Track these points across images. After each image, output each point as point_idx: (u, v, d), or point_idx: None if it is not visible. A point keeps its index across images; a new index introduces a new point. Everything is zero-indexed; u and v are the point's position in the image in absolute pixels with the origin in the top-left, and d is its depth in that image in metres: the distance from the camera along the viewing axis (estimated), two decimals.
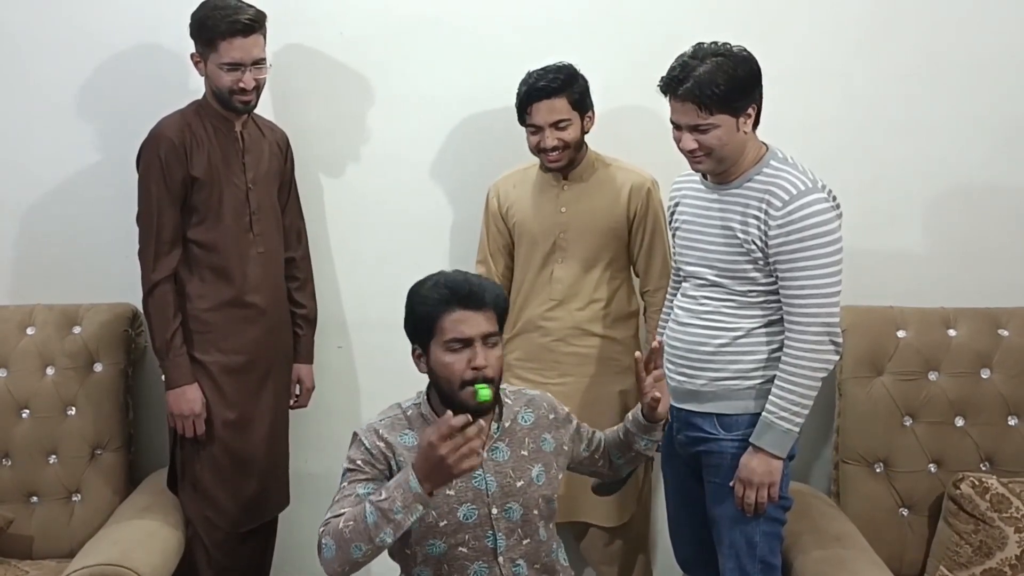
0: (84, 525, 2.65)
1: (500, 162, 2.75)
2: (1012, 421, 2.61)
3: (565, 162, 2.56)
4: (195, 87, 2.60)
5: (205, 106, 2.54)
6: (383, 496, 1.82)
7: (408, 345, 2.68)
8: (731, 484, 2.21)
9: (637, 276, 2.69)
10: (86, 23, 2.79)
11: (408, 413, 2.06)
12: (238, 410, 2.58)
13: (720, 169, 2.21)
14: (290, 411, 2.76)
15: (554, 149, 2.52)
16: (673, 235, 2.38)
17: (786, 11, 2.75)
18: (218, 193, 2.52)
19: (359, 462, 1.99)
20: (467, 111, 2.83)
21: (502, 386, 2.08)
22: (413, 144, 2.85)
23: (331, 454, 2.98)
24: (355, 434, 2.04)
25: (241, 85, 2.45)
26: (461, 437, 1.77)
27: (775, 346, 2.20)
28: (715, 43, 2.16)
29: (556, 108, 2.49)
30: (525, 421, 2.09)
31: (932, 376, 2.63)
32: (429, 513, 1.98)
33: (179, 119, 2.52)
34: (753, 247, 2.16)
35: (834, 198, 2.18)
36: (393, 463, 1.99)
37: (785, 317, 2.17)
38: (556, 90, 2.48)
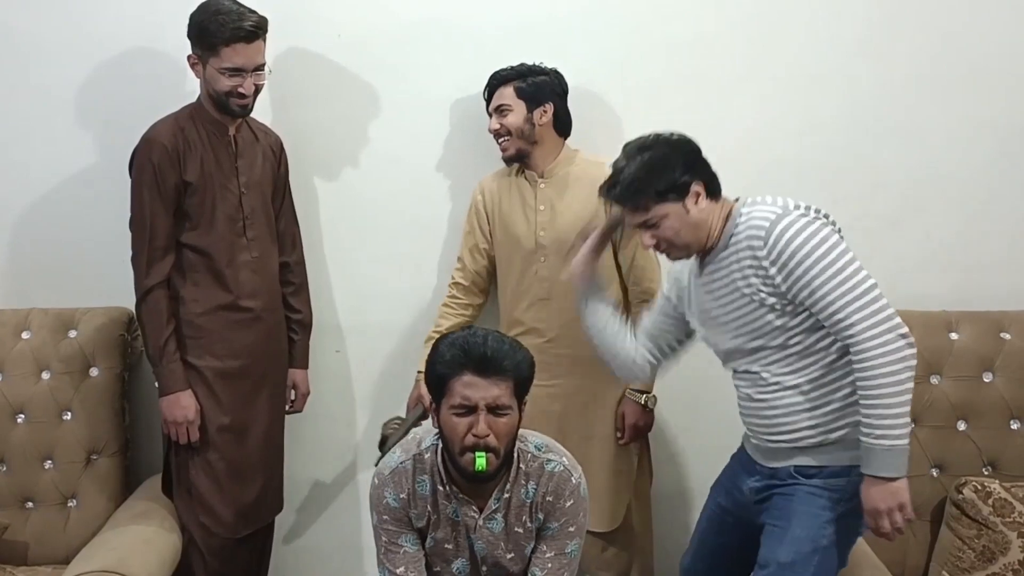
0: (80, 531, 2.64)
1: (498, 165, 2.73)
2: (1015, 425, 2.59)
3: (512, 152, 2.61)
4: (192, 89, 2.58)
5: (199, 110, 2.52)
6: None
7: (404, 350, 2.65)
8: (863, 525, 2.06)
9: (621, 277, 2.66)
10: (85, 25, 2.77)
11: (426, 456, 2.05)
12: (233, 415, 2.56)
13: (696, 251, 2.15)
14: (286, 416, 2.75)
15: (496, 132, 2.60)
16: (695, 319, 2.26)
17: (786, 13, 2.73)
18: (211, 198, 2.50)
19: (387, 518, 2.05)
20: (465, 114, 2.81)
21: (534, 440, 2.08)
22: (411, 147, 2.84)
23: (327, 459, 2.98)
24: (375, 482, 2.06)
25: (241, 90, 2.44)
26: None
27: (847, 391, 2.06)
28: (644, 137, 2.12)
29: (502, 95, 2.60)
30: (526, 496, 2.05)
31: (934, 380, 2.61)
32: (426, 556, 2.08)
33: (172, 123, 2.50)
34: (762, 295, 2.07)
35: (817, 211, 2.09)
36: (411, 513, 2.05)
37: (838, 339, 2.04)
38: (504, 79, 2.60)
